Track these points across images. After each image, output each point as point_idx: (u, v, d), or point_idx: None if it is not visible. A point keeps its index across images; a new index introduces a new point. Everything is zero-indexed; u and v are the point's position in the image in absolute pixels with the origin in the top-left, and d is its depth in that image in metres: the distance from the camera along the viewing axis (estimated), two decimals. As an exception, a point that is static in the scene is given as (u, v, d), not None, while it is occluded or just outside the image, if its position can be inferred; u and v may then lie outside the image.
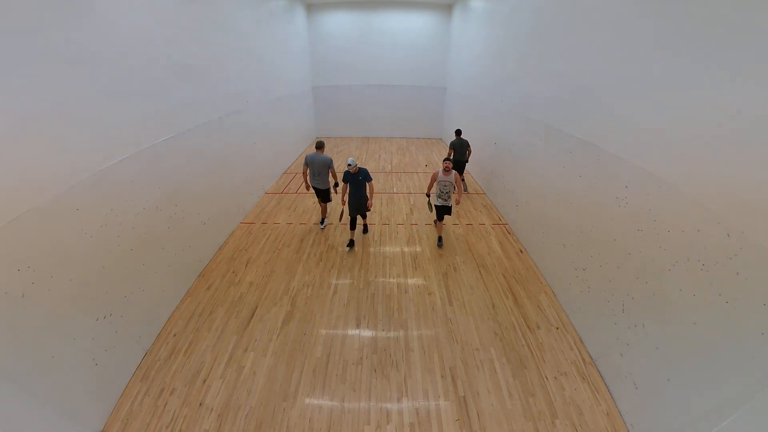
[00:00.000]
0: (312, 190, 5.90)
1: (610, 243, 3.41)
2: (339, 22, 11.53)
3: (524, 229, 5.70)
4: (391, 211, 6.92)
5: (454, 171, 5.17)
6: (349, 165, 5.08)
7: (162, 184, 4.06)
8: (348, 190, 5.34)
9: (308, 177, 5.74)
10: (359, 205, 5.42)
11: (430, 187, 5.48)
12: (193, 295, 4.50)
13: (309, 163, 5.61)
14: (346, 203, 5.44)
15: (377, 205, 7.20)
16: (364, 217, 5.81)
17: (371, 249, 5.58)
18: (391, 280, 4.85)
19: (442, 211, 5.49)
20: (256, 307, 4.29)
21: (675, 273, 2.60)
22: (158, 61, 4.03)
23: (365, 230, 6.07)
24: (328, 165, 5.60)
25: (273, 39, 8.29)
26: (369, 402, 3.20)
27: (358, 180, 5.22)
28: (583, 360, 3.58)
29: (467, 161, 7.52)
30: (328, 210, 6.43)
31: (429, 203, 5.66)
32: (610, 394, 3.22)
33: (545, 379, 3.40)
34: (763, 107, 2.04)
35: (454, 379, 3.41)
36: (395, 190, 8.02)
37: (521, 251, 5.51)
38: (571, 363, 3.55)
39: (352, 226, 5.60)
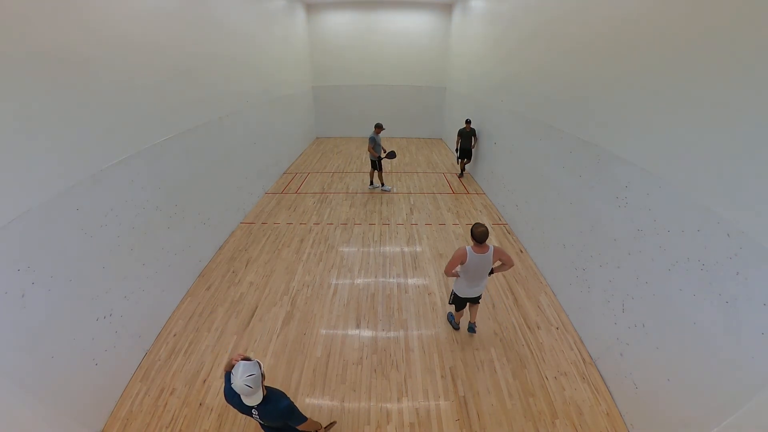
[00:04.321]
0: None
1: (610, 243, 3.41)
2: (339, 22, 11.52)
3: (524, 229, 5.69)
4: (391, 211, 6.92)
5: (492, 246, 3.18)
6: (248, 388, 1.82)
7: (162, 184, 4.07)
8: None
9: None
10: None
11: (450, 269, 3.24)
12: (193, 295, 4.50)
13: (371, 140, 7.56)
14: None
15: (377, 205, 7.19)
16: None
17: (371, 249, 5.58)
18: (391, 280, 4.84)
19: (467, 301, 3.59)
20: (256, 307, 4.29)
21: (675, 273, 2.60)
22: (158, 61, 4.03)
23: None
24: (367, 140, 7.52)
25: (273, 39, 8.29)
26: (369, 402, 3.20)
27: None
28: (583, 360, 3.57)
29: (473, 147, 8.38)
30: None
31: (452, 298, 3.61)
32: (610, 394, 3.22)
33: (545, 379, 3.40)
34: (763, 107, 2.04)
35: (454, 379, 3.41)
36: (395, 190, 8.02)
37: (521, 251, 5.51)
38: (571, 363, 3.55)
39: None
